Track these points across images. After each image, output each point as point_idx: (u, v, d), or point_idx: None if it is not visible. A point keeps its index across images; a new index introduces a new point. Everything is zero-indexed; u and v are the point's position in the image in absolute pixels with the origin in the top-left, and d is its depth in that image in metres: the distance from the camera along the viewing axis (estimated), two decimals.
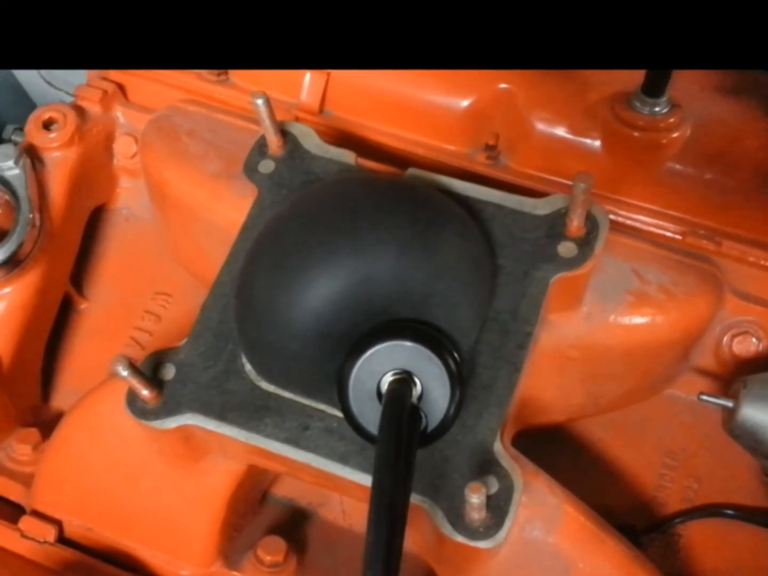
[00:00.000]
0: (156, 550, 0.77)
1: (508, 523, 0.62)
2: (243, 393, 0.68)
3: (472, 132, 0.91)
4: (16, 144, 0.93)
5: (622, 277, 0.78)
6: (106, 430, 0.76)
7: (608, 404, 0.86)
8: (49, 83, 1.31)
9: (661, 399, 0.88)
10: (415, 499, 0.62)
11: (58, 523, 0.78)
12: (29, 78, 1.33)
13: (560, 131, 0.88)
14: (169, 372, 0.69)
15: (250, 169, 0.78)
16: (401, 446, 0.56)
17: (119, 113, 0.97)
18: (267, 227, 0.71)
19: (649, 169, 0.87)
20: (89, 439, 0.78)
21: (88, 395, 0.79)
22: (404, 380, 0.60)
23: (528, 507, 0.67)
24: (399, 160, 0.91)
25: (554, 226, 0.72)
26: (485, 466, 0.64)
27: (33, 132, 0.91)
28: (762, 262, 0.85)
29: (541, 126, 0.89)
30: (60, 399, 0.93)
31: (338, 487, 0.69)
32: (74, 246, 0.95)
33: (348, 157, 0.78)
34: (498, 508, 0.62)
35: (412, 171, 0.77)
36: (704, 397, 0.78)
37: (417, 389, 0.61)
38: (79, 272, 0.98)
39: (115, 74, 0.98)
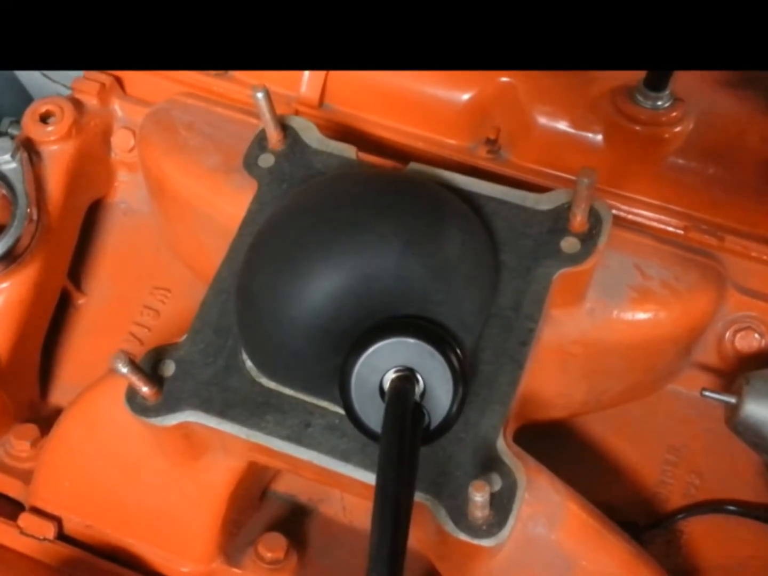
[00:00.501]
0: (156, 546, 0.77)
1: (511, 521, 0.62)
2: (244, 390, 0.68)
3: (473, 126, 0.91)
4: (12, 137, 0.92)
5: (625, 273, 0.78)
6: (106, 426, 0.76)
7: (610, 400, 0.85)
8: (46, 76, 1.30)
9: (664, 395, 0.88)
10: (417, 496, 0.62)
11: (57, 520, 0.78)
12: (27, 71, 1.32)
13: (562, 125, 0.88)
14: (169, 368, 0.69)
15: (250, 164, 0.77)
16: (405, 445, 0.56)
17: (117, 106, 0.97)
18: (267, 223, 0.70)
19: (651, 163, 0.87)
20: (88, 436, 0.77)
21: (87, 391, 0.79)
22: (407, 377, 0.60)
23: (531, 504, 0.67)
24: (399, 153, 0.91)
25: (557, 221, 0.71)
26: (488, 463, 0.64)
27: (30, 125, 0.91)
28: (765, 257, 0.85)
29: (542, 120, 0.88)
30: (58, 395, 0.92)
31: (340, 485, 0.69)
32: (72, 240, 0.95)
33: (349, 151, 0.77)
34: (501, 506, 0.62)
35: (413, 165, 0.76)
36: (707, 394, 0.78)
37: (420, 386, 0.61)
38: (77, 267, 0.97)
39: None
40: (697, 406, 0.86)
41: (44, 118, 0.91)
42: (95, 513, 0.77)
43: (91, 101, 0.95)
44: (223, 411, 0.67)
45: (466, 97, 0.90)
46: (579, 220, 0.70)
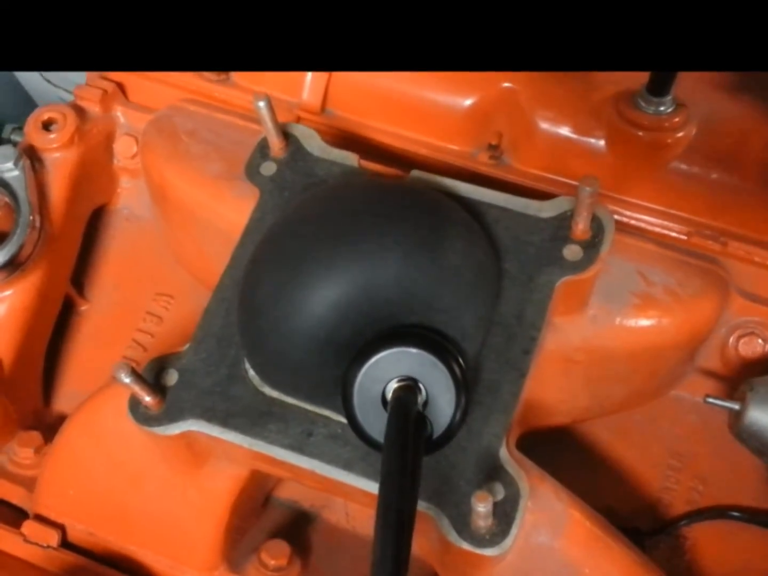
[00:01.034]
0: (159, 554, 0.77)
1: (514, 531, 0.62)
2: (246, 399, 0.68)
3: (475, 131, 0.91)
4: (15, 144, 0.92)
5: (628, 279, 0.78)
6: (109, 435, 0.76)
7: (613, 406, 0.85)
8: (48, 81, 1.30)
9: (667, 400, 0.87)
10: (420, 505, 0.62)
11: (61, 528, 0.78)
12: (28, 76, 1.32)
13: (564, 131, 0.88)
14: (172, 377, 0.69)
15: (252, 172, 0.77)
16: (407, 455, 0.56)
17: (119, 113, 0.97)
18: (270, 232, 0.70)
19: (654, 168, 0.87)
20: (92, 444, 0.77)
21: (90, 399, 0.79)
22: (409, 387, 0.60)
23: (534, 512, 0.67)
24: (401, 159, 0.91)
25: (559, 229, 0.71)
26: (491, 472, 0.64)
27: (32, 133, 0.91)
28: None
29: (544, 125, 0.88)
30: (62, 401, 0.92)
31: (343, 493, 0.69)
32: (75, 247, 0.95)
33: (351, 159, 0.77)
34: (504, 515, 0.62)
35: (415, 173, 0.76)
36: (710, 400, 0.78)
37: (422, 396, 0.61)
38: (80, 274, 0.97)
39: (115, 73, 0.98)
40: (701, 411, 0.85)
41: (47, 126, 0.91)
42: (99, 521, 0.77)
43: (93, 108, 0.95)
44: (225, 420, 0.67)
45: (468, 102, 0.90)
46: (581, 227, 0.70)
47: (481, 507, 0.58)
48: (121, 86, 0.97)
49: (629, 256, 0.79)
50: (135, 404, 0.68)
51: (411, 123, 0.92)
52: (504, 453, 0.65)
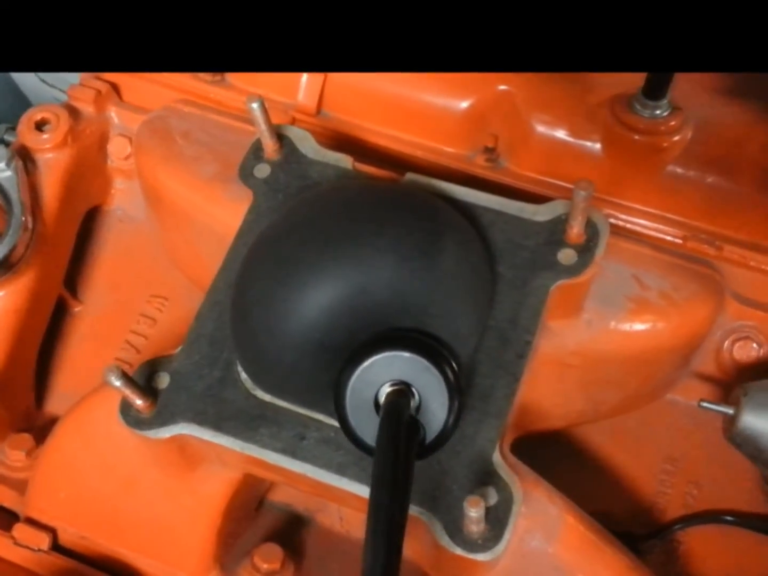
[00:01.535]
0: (151, 558, 0.77)
1: (507, 536, 0.61)
2: (238, 402, 0.68)
3: (471, 134, 0.91)
4: (8, 144, 0.92)
5: (623, 283, 0.77)
6: (101, 438, 0.76)
7: (608, 410, 0.85)
8: (43, 80, 1.30)
9: (661, 404, 0.87)
10: (413, 510, 0.62)
11: (52, 531, 0.78)
12: (24, 75, 1.32)
13: (560, 134, 0.88)
14: (164, 381, 0.69)
15: (246, 174, 0.77)
16: (399, 460, 0.56)
17: (113, 113, 0.96)
18: (263, 235, 0.70)
19: (649, 172, 0.87)
20: (83, 447, 0.77)
21: (81, 402, 0.78)
22: (402, 391, 0.60)
23: (527, 517, 0.67)
24: (397, 162, 0.90)
25: (554, 232, 0.71)
26: (484, 477, 0.63)
27: (25, 133, 0.90)
28: (763, 267, 0.85)
29: (540, 128, 0.88)
30: (54, 404, 0.92)
31: (335, 498, 0.69)
32: (68, 249, 0.94)
33: (345, 161, 0.77)
34: (497, 520, 0.62)
35: (410, 176, 0.76)
36: (705, 405, 0.78)
37: (415, 400, 0.60)
38: (74, 275, 0.97)
39: (109, 74, 0.97)
40: (695, 415, 0.85)
41: (39, 126, 0.91)
42: (90, 524, 0.77)
43: (87, 108, 0.94)
44: (217, 423, 0.67)
45: (464, 105, 0.90)
46: (576, 231, 0.69)
47: (473, 512, 0.58)
48: (115, 86, 0.97)
49: (624, 260, 0.78)
50: (126, 407, 0.68)
51: (407, 125, 0.92)
52: (497, 457, 0.64)
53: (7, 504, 0.82)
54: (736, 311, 0.83)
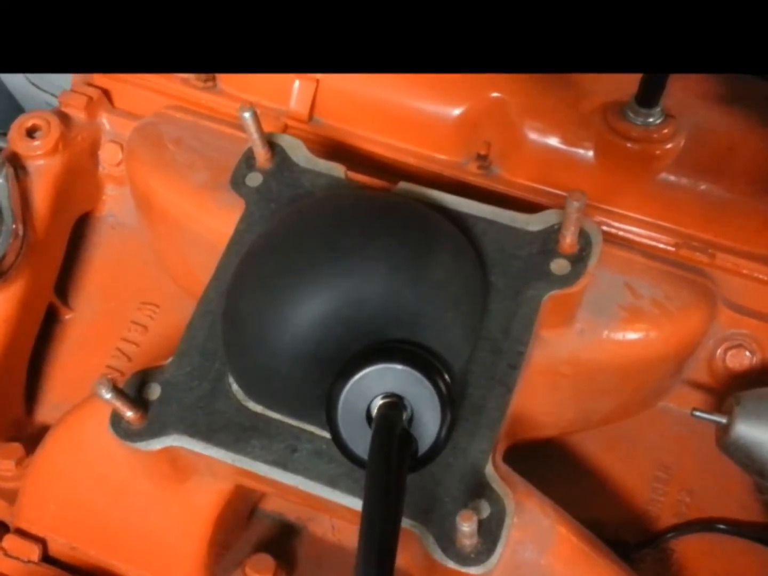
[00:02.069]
0: (142, 569, 0.76)
1: (500, 549, 0.61)
2: (230, 414, 0.67)
3: (463, 141, 0.90)
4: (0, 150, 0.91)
5: (615, 292, 0.77)
6: (91, 448, 0.75)
7: (601, 419, 0.85)
8: (35, 85, 1.30)
9: (654, 412, 0.87)
10: (405, 523, 0.61)
11: (42, 542, 0.77)
12: (15, 80, 1.32)
13: (553, 141, 0.87)
14: (155, 392, 0.68)
15: (238, 182, 0.77)
16: (391, 474, 0.55)
17: (105, 120, 0.96)
18: (254, 245, 0.69)
19: (642, 180, 0.86)
20: (74, 457, 0.76)
21: (72, 412, 0.78)
22: (394, 404, 0.59)
23: (520, 528, 0.66)
24: (389, 169, 0.90)
25: (547, 242, 0.71)
26: (477, 489, 0.63)
27: (16, 140, 0.90)
28: (756, 275, 0.85)
29: (533, 135, 0.88)
30: (45, 412, 0.91)
31: (327, 510, 0.68)
32: (59, 256, 0.94)
33: (337, 170, 0.77)
34: (490, 533, 0.61)
35: (402, 185, 0.76)
36: (697, 414, 0.77)
37: (407, 412, 0.60)
38: (64, 282, 0.96)
39: (100, 80, 0.97)
40: (688, 423, 0.85)
41: (30, 133, 0.90)
42: (81, 535, 0.76)
43: (78, 115, 0.94)
44: (208, 435, 0.66)
45: (457, 112, 0.90)
46: (569, 241, 0.69)
47: (466, 526, 0.58)
48: (106, 93, 0.97)
49: (617, 268, 0.78)
50: (117, 419, 0.67)
51: (399, 132, 0.92)
52: (490, 470, 0.64)
53: None
54: (728, 319, 0.83)
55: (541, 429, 0.82)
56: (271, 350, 0.64)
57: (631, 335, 0.77)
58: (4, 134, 0.95)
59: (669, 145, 0.85)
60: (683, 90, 0.87)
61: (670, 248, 0.86)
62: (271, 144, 0.77)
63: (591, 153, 0.87)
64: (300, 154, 0.78)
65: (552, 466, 0.85)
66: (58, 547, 0.77)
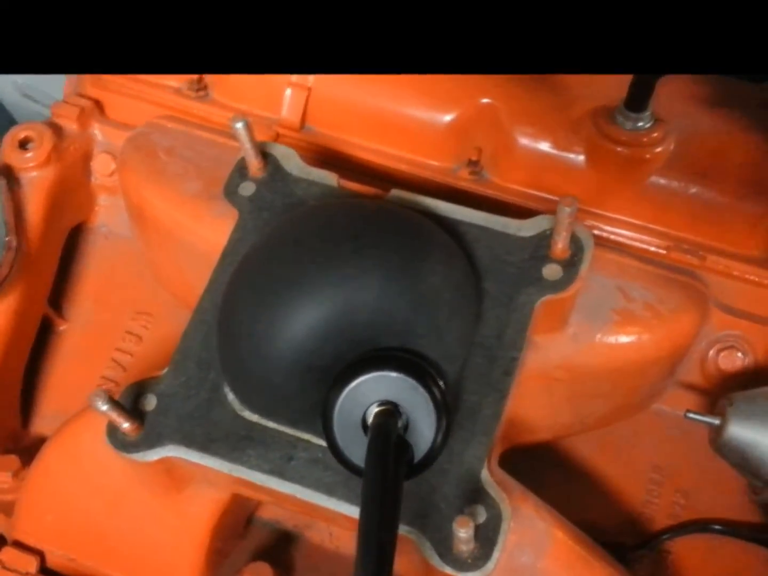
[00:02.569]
0: None
1: (496, 554, 0.61)
2: (226, 423, 0.67)
3: (455, 147, 0.91)
4: None
5: (608, 296, 0.78)
6: (87, 460, 0.75)
7: (595, 422, 0.85)
8: (27, 96, 1.30)
9: (648, 414, 0.88)
10: (402, 529, 0.62)
11: (40, 554, 0.77)
12: (7, 91, 1.32)
13: (543, 146, 0.88)
14: (150, 403, 0.68)
15: (231, 192, 0.77)
16: (388, 481, 0.56)
17: (97, 130, 0.96)
18: (248, 256, 0.69)
19: (632, 183, 0.87)
20: (70, 469, 0.76)
21: (68, 423, 0.78)
22: (390, 411, 0.60)
23: (516, 532, 0.67)
24: (381, 175, 0.91)
25: (539, 248, 0.71)
26: (473, 495, 0.63)
27: (8, 151, 0.90)
28: (746, 276, 0.85)
29: (524, 141, 0.88)
30: (40, 423, 0.91)
31: (325, 517, 0.69)
32: (52, 267, 0.94)
33: (330, 179, 0.77)
34: (486, 538, 0.62)
35: (395, 192, 0.76)
36: (691, 415, 0.78)
37: (403, 420, 0.61)
38: (58, 292, 0.96)
39: (92, 90, 0.97)
40: (682, 425, 0.85)
41: (23, 144, 0.90)
42: (78, 546, 0.76)
43: (70, 126, 0.94)
44: (205, 445, 0.67)
45: (447, 118, 0.90)
46: (560, 247, 0.70)
47: (463, 532, 0.58)
48: (98, 103, 0.97)
49: (609, 272, 0.79)
50: (113, 430, 0.67)
51: (391, 139, 0.92)
52: (486, 475, 0.64)
53: None
54: (720, 321, 0.84)
55: (536, 433, 0.82)
56: (266, 360, 0.64)
57: (624, 338, 0.77)
58: None
59: (659, 149, 0.85)
60: (672, 94, 0.87)
61: (661, 251, 0.86)
62: (263, 153, 0.77)
63: (581, 157, 0.87)
64: (292, 163, 0.78)
65: (547, 470, 0.85)
66: (55, 558, 0.77)
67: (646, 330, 0.78)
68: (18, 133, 0.91)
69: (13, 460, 0.83)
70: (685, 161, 0.86)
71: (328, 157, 0.92)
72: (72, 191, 0.94)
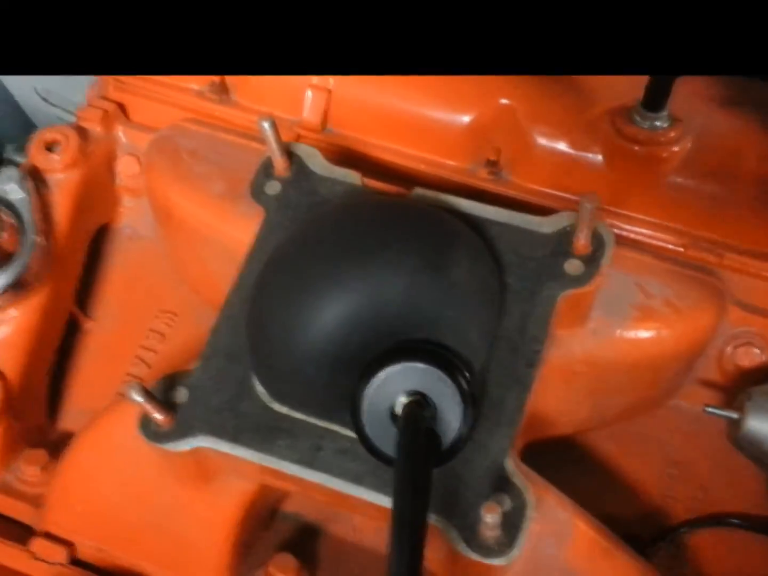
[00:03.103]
0: (168, 569, 0.77)
1: (521, 541, 0.63)
2: (255, 415, 0.69)
3: (473, 147, 0.92)
4: (17, 164, 0.93)
5: (627, 292, 0.79)
6: (118, 452, 0.77)
7: (614, 416, 0.87)
8: (46, 100, 1.31)
9: (666, 410, 0.88)
10: (428, 518, 0.63)
11: (70, 545, 0.78)
12: (26, 95, 1.33)
13: (561, 146, 0.89)
14: (182, 395, 0.70)
15: (257, 191, 0.79)
16: (420, 470, 0.57)
17: (121, 133, 0.97)
18: (277, 252, 0.71)
19: (650, 182, 0.88)
20: (101, 461, 0.78)
21: (99, 417, 0.79)
22: (418, 402, 0.61)
23: (539, 522, 0.68)
24: (401, 175, 0.92)
25: (560, 244, 0.73)
26: (497, 484, 0.65)
27: (36, 154, 0.91)
28: (763, 273, 0.86)
29: (542, 141, 0.89)
30: (67, 419, 0.93)
31: (352, 507, 0.70)
32: (78, 267, 0.95)
33: (353, 177, 0.79)
34: (511, 525, 0.63)
35: (418, 191, 0.78)
36: (709, 410, 0.79)
37: (430, 409, 0.62)
38: (84, 292, 0.98)
39: (115, 94, 0.99)
40: (700, 420, 0.86)
41: (50, 147, 0.92)
42: (108, 537, 0.78)
43: (95, 128, 0.95)
44: (235, 436, 0.68)
45: (466, 119, 0.91)
46: (582, 242, 0.71)
47: (490, 518, 0.60)
48: (121, 106, 0.98)
49: (628, 269, 0.80)
50: (146, 421, 0.69)
51: (410, 140, 0.93)
52: (510, 465, 0.66)
53: (23, 518, 0.83)
54: (737, 317, 0.85)
55: (556, 427, 0.84)
56: (295, 353, 0.65)
57: (643, 334, 0.78)
58: (21, 148, 0.97)
59: (676, 148, 0.86)
60: (689, 93, 0.88)
61: (679, 249, 0.87)
62: (288, 153, 0.79)
63: (599, 157, 0.88)
64: (317, 162, 0.80)
65: (566, 464, 0.86)
66: (85, 549, 0.79)
67: (665, 325, 0.79)
68: (45, 135, 0.92)
69: (42, 454, 0.85)
70: (702, 160, 0.87)
71: (348, 158, 0.93)
72: (97, 193, 0.96)
